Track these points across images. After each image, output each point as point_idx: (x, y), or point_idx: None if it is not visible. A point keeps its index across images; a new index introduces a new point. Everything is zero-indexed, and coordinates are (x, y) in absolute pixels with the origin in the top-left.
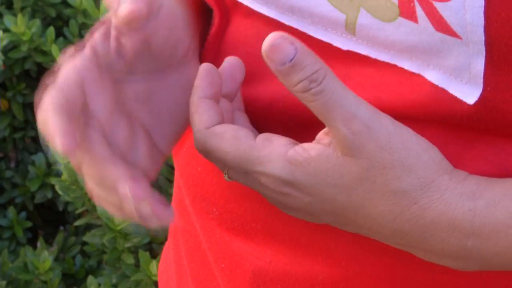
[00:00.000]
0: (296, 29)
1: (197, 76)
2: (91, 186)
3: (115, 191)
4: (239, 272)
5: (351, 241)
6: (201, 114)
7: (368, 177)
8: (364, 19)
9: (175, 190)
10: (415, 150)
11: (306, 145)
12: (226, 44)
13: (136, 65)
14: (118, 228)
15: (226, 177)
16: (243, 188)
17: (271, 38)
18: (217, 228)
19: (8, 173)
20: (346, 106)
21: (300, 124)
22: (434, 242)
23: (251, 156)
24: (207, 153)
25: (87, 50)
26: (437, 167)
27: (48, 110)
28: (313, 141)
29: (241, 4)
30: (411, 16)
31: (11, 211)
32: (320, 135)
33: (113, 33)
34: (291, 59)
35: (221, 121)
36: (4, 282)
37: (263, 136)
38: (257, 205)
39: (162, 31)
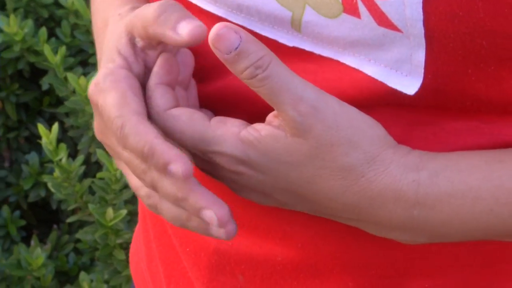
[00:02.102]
0: (244, 27)
1: (156, 64)
2: (157, 201)
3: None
4: (204, 255)
5: (305, 224)
6: (158, 98)
7: (317, 155)
8: (309, 16)
9: None
10: (360, 127)
11: (257, 125)
12: None
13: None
14: (110, 224)
15: None
16: (204, 174)
17: (216, 28)
18: None
19: (2, 173)
20: (292, 89)
21: (260, 113)
22: (382, 213)
23: (206, 136)
24: (165, 136)
25: (120, 60)
26: (381, 142)
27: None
28: (264, 123)
29: (191, 3)
30: (354, 12)
31: (5, 210)
32: (270, 117)
33: (140, 44)
34: (236, 47)
35: (177, 105)
36: None
37: (217, 118)
38: (216, 191)
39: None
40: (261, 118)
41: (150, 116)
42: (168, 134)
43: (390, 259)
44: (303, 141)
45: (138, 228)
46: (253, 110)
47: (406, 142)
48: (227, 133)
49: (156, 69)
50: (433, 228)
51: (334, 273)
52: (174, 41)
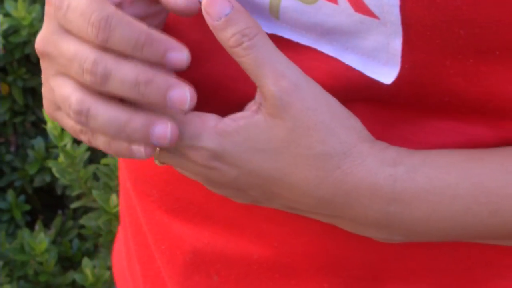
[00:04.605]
0: None
1: None
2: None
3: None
4: (179, 253)
5: (282, 223)
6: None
7: (294, 139)
8: (287, 1)
9: (120, 173)
10: (338, 116)
11: (234, 115)
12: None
13: None
14: (113, 211)
15: (157, 161)
16: (176, 172)
17: None
18: (157, 210)
19: (8, 157)
20: (276, 64)
21: (238, 103)
22: (358, 208)
23: (181, 131)
24: None
25: None
26: (358, 134)
27: None
28: (243, 111)
29: None
30: None
31: (10, 194)
32: (250, 104)
33: None
34: (227, 14)
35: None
36: (1, 263)
37: (193, 112)
38: (193, 188)
39: None
40: (238, 109)
41: None
42: None
43: (365, 260)
44: (281, 123)
45: (120, 226)
46: (230, 99)
47: (384, 141)
48: (203, 127)
49: None
50: (409, 226)
51: (310, 273)
52: (167, 2)
